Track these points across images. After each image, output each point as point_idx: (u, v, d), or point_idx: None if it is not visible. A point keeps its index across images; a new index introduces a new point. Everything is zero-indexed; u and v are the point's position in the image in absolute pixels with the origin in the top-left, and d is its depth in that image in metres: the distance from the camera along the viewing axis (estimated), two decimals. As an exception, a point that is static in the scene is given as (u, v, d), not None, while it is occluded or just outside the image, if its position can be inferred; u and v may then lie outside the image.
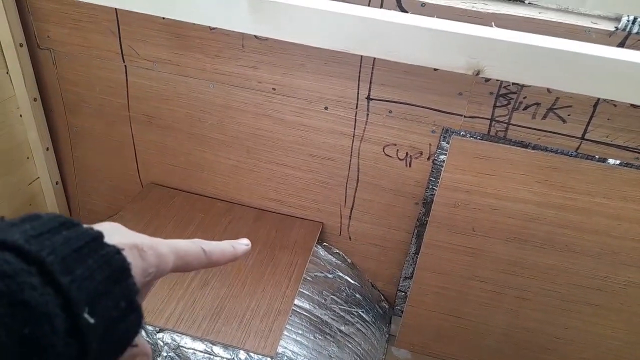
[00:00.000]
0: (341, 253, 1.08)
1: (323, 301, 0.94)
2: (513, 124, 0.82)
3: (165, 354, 0.80)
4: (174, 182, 1.10)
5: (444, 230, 0.91)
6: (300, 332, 0.87)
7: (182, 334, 0.80)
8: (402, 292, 1.07)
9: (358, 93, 0.87)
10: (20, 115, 1.02)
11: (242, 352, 0.79)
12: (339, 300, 0.98)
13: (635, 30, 0.68)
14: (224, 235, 0.99)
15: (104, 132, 1.07)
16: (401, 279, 1.05)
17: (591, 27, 0.70)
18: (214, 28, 0.87)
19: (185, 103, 0.98)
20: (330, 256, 1.05)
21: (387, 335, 1.06)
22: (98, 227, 0.24)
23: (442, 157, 0.88)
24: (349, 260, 1.08)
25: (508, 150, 0.82)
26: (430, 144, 0.89)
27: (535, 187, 0.83)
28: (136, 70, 0.96)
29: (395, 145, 0.91)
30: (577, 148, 0.81)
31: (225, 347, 0.79)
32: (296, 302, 0.90)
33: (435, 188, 0.90)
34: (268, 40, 0.86)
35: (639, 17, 0.67)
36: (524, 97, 0.79)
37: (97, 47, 0.95)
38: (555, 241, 0.87)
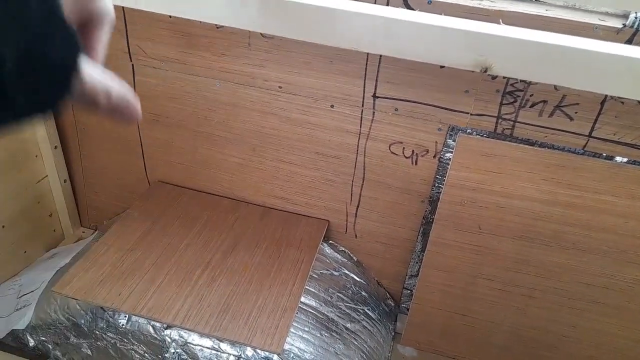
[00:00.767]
0: (347, 251, 1.08)
1: (329, 299, 0.95)
2: (520, 122, 0.82)
3: (173, 350, 0.80)
4: (180, 180, 1.11)
5: (450, 228, 0.91)
6: (306, 329, 0.87)
7: (190, 330, 0.81)
8: (408, 289, 1.07)
9: (364, 91, 0.87)
10: (29, 114, 1.03)
11: (249, 348, 0.79)
12: (345, 297, 0.98)
13: (643, 27, 0.68)
14: (230, 233, 0.99)
15: (111, 130, 1.08)
16: (407, 277, 1.05)
17: (599, 24, 0.69)
18: (221, 26, 0.87)
19: (191, 101, 0.98)
20: (336, 254, 1.05)
21: (393, 333, 1.07)
22: None
23: (448, 155, 0.88)
24: (355, 258, 1.08)
25: (515, 148, 0.82)
26: (436, 142, 0.89)
27: (542, 185, 0.83)
28: (143, 69, 0.97)
29: (401, 143, 0.91)
30: (584, 146, 0.81)
31: (233, 343, 0.80)
32: (302, 299, 0.90)
33: (442, 186, 0.90)
34: (274, 39, 0.86)
35: (647, 14, 0.67)
36: (531, 95, 0.79)
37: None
38: (562, 239, 0.87)
